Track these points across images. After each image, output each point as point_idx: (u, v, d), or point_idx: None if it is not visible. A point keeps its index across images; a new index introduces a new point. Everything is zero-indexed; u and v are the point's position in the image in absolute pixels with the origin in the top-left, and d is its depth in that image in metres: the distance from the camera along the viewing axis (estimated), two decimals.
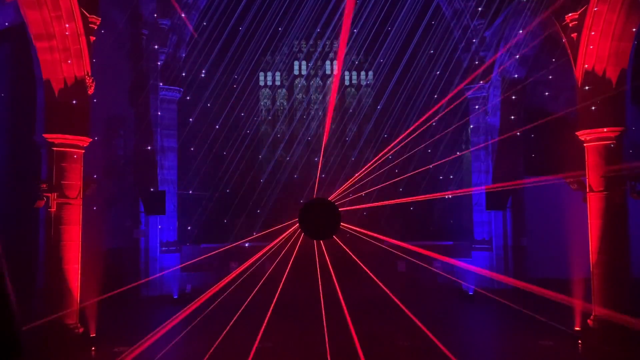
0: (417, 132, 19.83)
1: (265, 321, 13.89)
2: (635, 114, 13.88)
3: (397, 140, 19.79)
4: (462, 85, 20.27)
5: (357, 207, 19.15)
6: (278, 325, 13.70)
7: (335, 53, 24.50)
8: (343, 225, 16.52)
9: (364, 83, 24.97)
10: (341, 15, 19.27)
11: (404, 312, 14.70)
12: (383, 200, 19.65)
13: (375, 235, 18.28)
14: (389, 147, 19.39)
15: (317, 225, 14.81)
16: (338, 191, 18.58)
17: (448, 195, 20.92)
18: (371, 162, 19.08)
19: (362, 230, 17.79)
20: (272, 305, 14.79)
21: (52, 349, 11.73)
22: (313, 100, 24.86)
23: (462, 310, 17.13)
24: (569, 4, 13.16)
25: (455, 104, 19.55)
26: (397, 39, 19.55)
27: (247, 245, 19.66)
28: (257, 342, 12.61)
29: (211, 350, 12.14)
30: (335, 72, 24.23)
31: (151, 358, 12.68)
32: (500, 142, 19.35)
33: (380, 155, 19.00)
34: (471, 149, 20.85)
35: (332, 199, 17.36)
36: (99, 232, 14.61)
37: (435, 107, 18.59)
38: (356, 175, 19.00)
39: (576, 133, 13.09)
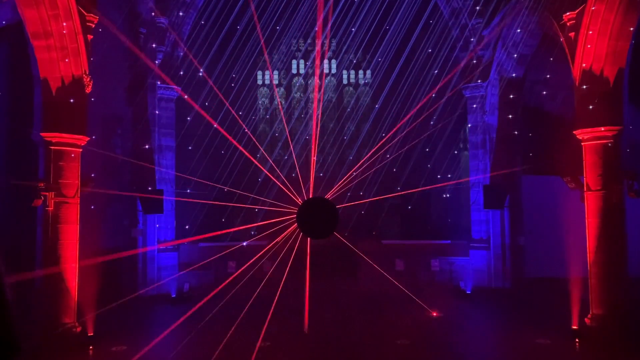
0: (415, 131, 19.89)
1: (264, 320, 13.89)
2: (633, 113, 13.90)
3: (396, 138, 19.83)
4: (461, 85, 20.30)
5: (356, 203, 19.14)
6: (277, 323, 13.70)
7: (334, 52, 24.52)
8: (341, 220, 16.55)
9: (362, 82, 24.97)
10: (339, 14, 19.26)
11: (401, 310, 14.75)
12: (381, 199, 19.67)
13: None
14: (387, 146, 19.43)
15: (315, 224, 14.82)
16: (336, 188, 18.60)
17: (446, 194, 20.96)
18: (366, 157, 19.13)
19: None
20: (268, 303, 14.79)
21: (49, 348, 11.71)
22: (311, 99, 24.86)
23: (460, 308, 17.15)
24: (566, 3, 13.18)
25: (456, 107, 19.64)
26: (395, 37, 19.54)
27: (244, 244, 19.66)
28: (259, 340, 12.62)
29: (208, 349, 12.14)
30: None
31: (149, 357, 12.70)
32: (498, 141, 19.38)
33: (377, 152, 19.07)
34: (469, 148, 20.87)
35: (330, 198, 17.36)
36: (96, 231, 14.58)
37: (433, 106, 18.63)
38: (352, 170, 19.04)
39: (574, 132, 13.12)
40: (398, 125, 18.62)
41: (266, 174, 20.34)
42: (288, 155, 22.94)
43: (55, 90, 12.52)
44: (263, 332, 13.16)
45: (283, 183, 18.62)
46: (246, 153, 18.38)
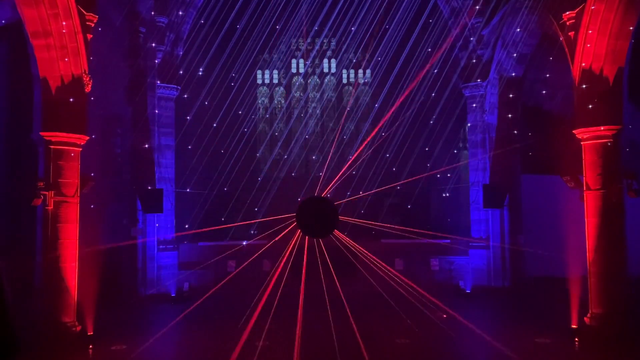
0: (414, 130, 19.92)
1: (260, 319, 13.90)
2: (633, 112, 13.91)
3: (395, 137, 19.87)
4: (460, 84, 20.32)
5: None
6: (276, 323, 13.70)
7: (333, 51, 24.51)
8: (342, 218, 16.56)
9: (361, 81, 24.98)
10: (339, 13, 19.25)
11: (401, 310, 14.74)
12: (380, 198, 19.70)
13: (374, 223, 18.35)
14: (386, 145, 19.46)
15: (314, 223, 14.83)
16: (332, 183, 18.61)
17: (445, 193, 20.97)
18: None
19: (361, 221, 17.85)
20: (264, 302, 14.82)
21: (49, 347, 11.72)
22: (311, 98, 24.87)
23: (459, 307, 17.15)
24: (566, 2, 13.19)
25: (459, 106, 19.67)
26: (394, 37, 19.54)
27: (244, 243, 19.66)
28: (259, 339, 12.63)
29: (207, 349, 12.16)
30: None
31: (149, 356, 12.70)
32: (498, 140, 19.39)
33: (375, 148, 19.17)
34: (468, 147, 20.88)
35: (328, 197, 17.36)
36: (96, 230, 14.58)
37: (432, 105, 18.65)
38: (351, 167, 19.09)
39: (573, 131, 13.13)
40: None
41: (266, 173, 20.37)
42: (287, 155, 22.96)
43: (55, 89, 12.53)
44: (262, 331, 13.17)
45: (282, 182, 18.66)
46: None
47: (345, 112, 23.29)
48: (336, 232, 16.61)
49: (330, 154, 20.67)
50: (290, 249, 17.92)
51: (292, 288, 16.12)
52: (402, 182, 19.16)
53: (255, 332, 13.08)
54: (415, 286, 15.24)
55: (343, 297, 14.95)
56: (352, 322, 13.60)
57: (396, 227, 18.45)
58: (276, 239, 18.22)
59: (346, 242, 17.22)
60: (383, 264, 17.25)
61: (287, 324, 13.66)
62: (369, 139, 19.73)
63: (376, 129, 19.59)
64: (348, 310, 14.08)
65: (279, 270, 17.73)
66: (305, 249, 16.87)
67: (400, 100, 18.27)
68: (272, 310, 14.74)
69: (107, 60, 15.52)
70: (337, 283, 16.62)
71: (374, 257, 17.33)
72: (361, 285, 18.08)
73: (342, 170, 18.44)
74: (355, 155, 19.85)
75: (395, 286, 16.15)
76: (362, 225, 18.78)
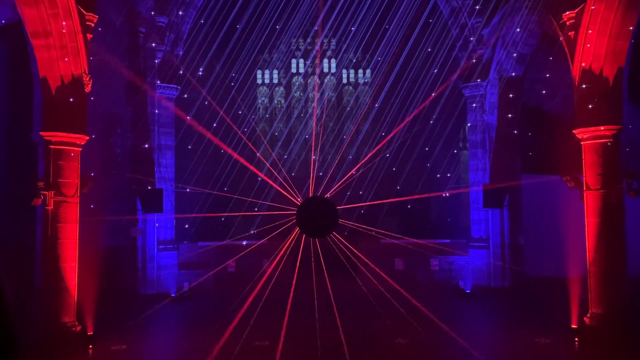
0: (414, 130, 19.92)
1: (260, 319, 13.90)
2: (633, 112, 13.90)
3: (394, 137, 19.86)
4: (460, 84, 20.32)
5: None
6: (275, 323, 13.69)
7: (333, 51, 24.51)
8: (341, 221, 16.58)
9: (361, 81, 24.98)
10: (339, 13, 19.24)
11: (401, 310, 14.74)
12: (380, 198, 19.70)
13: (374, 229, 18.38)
14: (386, 144, 19.47)
15: (314, 223, 14.85)
16: (335, 187, 18.62)
17: (445, 193, 20.96)
18: (367, 158, 19.26)
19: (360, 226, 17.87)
20: (264, 302, 14.82)
21: (49, 347, 11.72)
22: (311, 97, 24.87)
23: (459, 308, 17.17)
24: (566, 2, 13.19)
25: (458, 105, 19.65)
26: (394, 37, 19.54)
27: (244, 243, 19.66)
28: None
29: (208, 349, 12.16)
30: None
31: (149, 356, 12.71)
32: (498, 140, 19.38)
33: (376, 151, 19.15)
34: (468, 147, 20.88)
35: (329, 197, 17.38)
36: (96, 230, 14.58)
37: (432, 105, 18.63)
38: (353, 170, 19.09)
39: (573, 131, 13.13)
40: (398, 128, 18.71)
41: (266, 173, 20.34)
42: (287, 154, 22.96)
43: (55, 89, 12.53)
44: (261, 331, 13.17)
45: (283, 182, 18.64)
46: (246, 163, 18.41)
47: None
48: (334, 233, 16.61)
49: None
50: (289, 248, 17.91)
51: (292, 287, 16.12)
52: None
53: (254, 332, 13.08)
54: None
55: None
56: (352, 322, 13.60)
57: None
58: (270, 236, 18.21)
59: (343, 245, 17.22)
60: (377, 269, 17.26)
61: (286, 324, 13.64)
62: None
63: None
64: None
65: (279, 270, 17.71)
66: (301, 249, 16.88)
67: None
68: (272, 310, 14.72)
69: (107, 60, 15.51)
70: (337, 283, 16.63)
71: (369, 262, 17.35)
72: (361, 284, 18.09)
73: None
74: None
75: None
76: (362, 226, 18.80)
